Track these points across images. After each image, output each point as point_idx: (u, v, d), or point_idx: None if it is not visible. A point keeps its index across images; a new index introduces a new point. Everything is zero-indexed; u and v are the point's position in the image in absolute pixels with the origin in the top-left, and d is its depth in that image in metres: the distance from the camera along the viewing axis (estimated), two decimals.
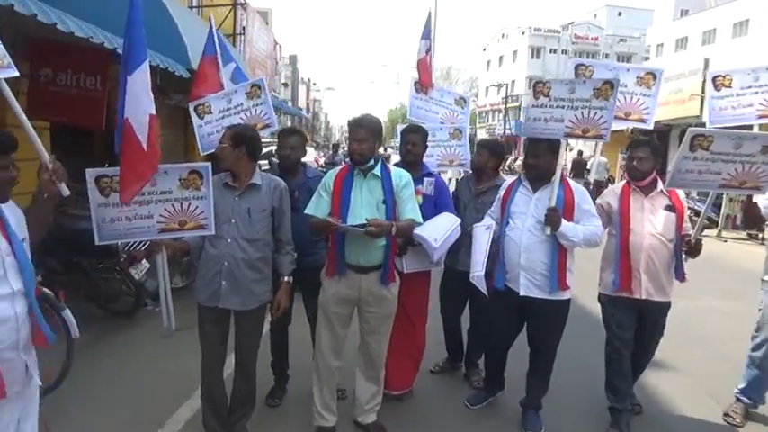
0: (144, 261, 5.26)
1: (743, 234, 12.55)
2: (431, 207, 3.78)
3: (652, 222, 3.49)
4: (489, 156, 4.17)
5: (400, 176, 3.30)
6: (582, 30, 54.15)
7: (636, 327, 3.62)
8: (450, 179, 4.78)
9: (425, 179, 3.89)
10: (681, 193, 3.59)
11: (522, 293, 3.41)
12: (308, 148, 18.55)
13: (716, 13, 29.68)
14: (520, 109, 50.76)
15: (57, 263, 5.15)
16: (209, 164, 3.16)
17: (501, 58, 59.65)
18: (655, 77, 3.96)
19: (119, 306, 5.47)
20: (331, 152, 19.24)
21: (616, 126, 3.68)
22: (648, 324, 3.62)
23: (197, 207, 3.11)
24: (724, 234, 12.60)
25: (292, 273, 3.33)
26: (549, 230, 3.32)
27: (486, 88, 59.42)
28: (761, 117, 3.87)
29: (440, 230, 3.54)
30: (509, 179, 3.81)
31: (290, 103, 31.09)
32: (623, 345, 3.59)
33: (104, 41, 4.49)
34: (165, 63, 5.69)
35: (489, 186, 4.09)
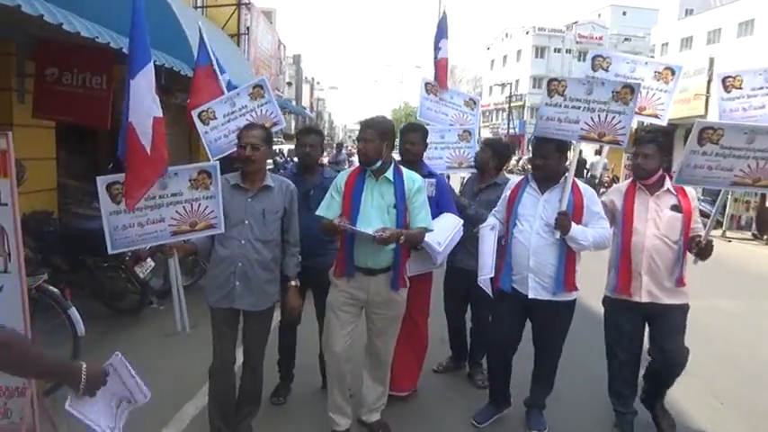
0: (149, 260, 5.29)
1: (747, 234, 12.53)
2: (432, 208, 3.74)
3: (656, 223, 3.37)
4: (492, 154, 4.19)
5: (413, 181, 3.25)
6: (586, 29, 54.04)
7: (643, 333, 3.52)
8: (463, 178, 4.73)
9: (426, 180, 3.82)
10: (692, 192, 3.45)
11: (530, 296, 3.36)
12: None
13: (721, 12, 29.56)
14: (523, 108, 50.75)
15: (62, 261, 5.18)
16: (217, 163, 3.16)
17: (505, 57, 59.60)
18: (674, 73, 3.85)
19: (124, 304, 5.51)
20: (335, 151, 19.31)
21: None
22: (662, 327, 3.43)
23: (207, 206, 3.11)
24: (728, 234, 12.55)
25: (303, 272, 3.35)
26: (558, 234, 3.27)
27: (490, 87, 59.36)
28: None
29: (443, 233, 3.51)
30: (515, 179, 3.77)
31: (293, 102, 31.14)
32: (621, 350, 3.52)
33: (110, 41, 4.52)
34: (170, 63, 5.72)
35: (488, 184, 4.11)
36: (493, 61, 62.50)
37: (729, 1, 29.04)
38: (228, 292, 3.13)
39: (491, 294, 3.50)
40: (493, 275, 3.42)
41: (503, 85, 49.74)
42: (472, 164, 4.54)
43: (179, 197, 3.11)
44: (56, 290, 3.80)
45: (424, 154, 4.05)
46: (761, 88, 3.72)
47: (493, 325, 3.74)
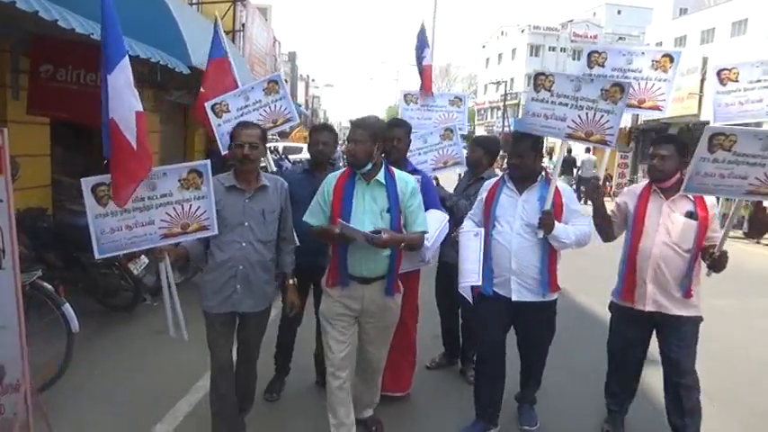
0: (143, 257, 5.28)
1: (738, 233, 12.60)
2: None
3: (667, 229, 3.18)
4: (483, 153, 4.23)
5: (406, 183, 3.11)
6: (581, 28, 54.21)
7: (648, 340, 3.42)
8: (460, 174, 4.73)
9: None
10: (711, 199, 3.20)
11: (514, 299, 3.30)
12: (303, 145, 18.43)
13: (715, 12, 29.70)
14: (519, 106, 50.79)
15: (56, 258, 5.19)
16: (207, 162, 3.09)
17: (500, 55, 59.71)
18: (672, 60, 3.60)
19: (117, 301, 5.50)
20: None
21: (627, 114, 3.48)
22: (671, 339, 3.28)
23: (198, 207, 3.02)
24: None
25: (305, 271, 3.35)
26: (541, 234, 3.21)
27: (485, 86, 59.42)
28: None
29: (430, 230, 3.39)
30: (492, 179, 3.64)
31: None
32: (623, 356, 3.46)
33: None
34: (165, 60, 5.70)
35: (477, 179, 4.12)
36: (488, 59, 62.58)
37: (723, 0, 29.17)
38: (229, 296, 3.05)
39: (471, 302, 3.41)
40: (480, 283, 3.29)
41: (498, 84, 49.74)
42: (457, 160, 4.53)
43: (169, 198, 3.01)
44: (50, 286, 3.79)
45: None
46: (758, 81, 3.56)
47: (478, 331, 3.65)
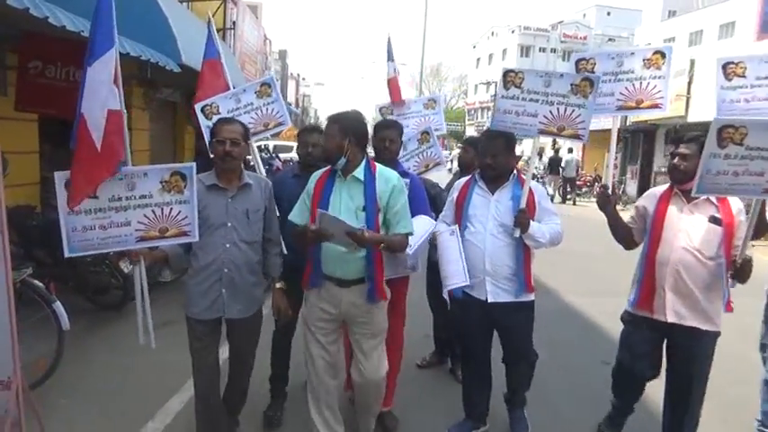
0: None
1: None
2: None
3: (688, 234, 2.97)
4: (475, 153, 4.25)
5: (387, 181, 2.91)
6: (571, 29, 54.58)
7: (661, 357, 3.19)
8: (456, 173, 4.72)
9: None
10: (737, 204, 2.97)
11: (490, 300, 3.22)
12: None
13: (703, 14, 30.00)
14: None
15: (45, 255, 5.16)
16: (193, 164, 2.95)
17: (491, 56, 59.93)
18: (664, 56, 3.45)
19: (107, 299, 5.49)
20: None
21: (631, 116, 3.37)
22: (680, 355, 3.06)
23: (179, 212, 2.89)
24: None
25: (298, 276, 3.11)
26: (518, 233, 3.14)
27: (476, 86, 59.60)
28: None
29: (415, 236, 3.19)
30: (462, 180, 3.55)
31: None
32: (630, 374, 3.26)
33: None
34: (155, 57, 5.69)
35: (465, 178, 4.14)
36: (479, 59, 62.77)
37: (711, 3, 29.47)
38: (214, 301, 2.93)
39: (449, 305, 3.30)
40: (468, 282, 3.18)
41: (488, 84, 49.93)
42: (437, 161, 4.51)
43: (148, 200, 2.87)
44: (40, 284, 3.79)
45: None
46: (766, 78, 3.32)
47: (460, 335, 3.62)
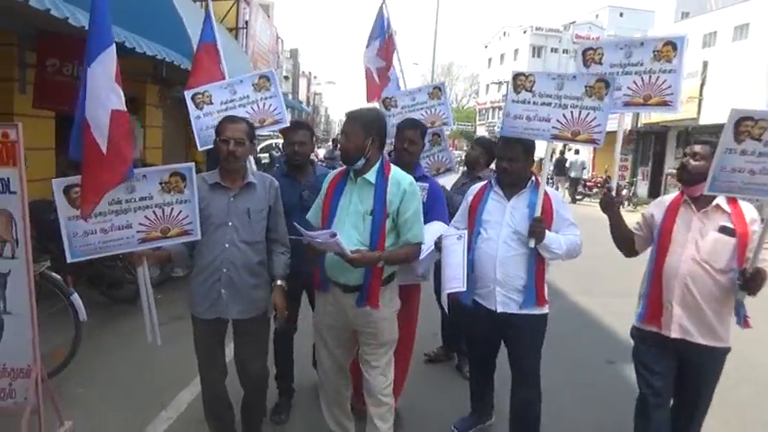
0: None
1: None
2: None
3: (697, 245, 2.72)
4: (482, 151, 4.33)
5: (398, 184, 2.76)
6: (583, 30, 54.16)
7: (674, 374, 2.89)
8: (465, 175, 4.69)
9: (419, 184, 3.26)
10: (751, 212, 2.73)
11: (499, 310, 3.07)
12: None
13: (716, 16, 29.73)
14: None
15: (61, 249, 5.25)
16: (192, 164, 2.92)
17: (502, 56, 59.81)
18: (675, 47, 3.05)
19: (121, 293, 5.59)
20: (331, 146, 19.31)
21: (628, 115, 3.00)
22: (689, 372, 2.84)
23: (180, 212, 2.87)
24: None
25: (298, 278, 3.13)
26: (532, 243, 2.97)
27: (487, 86, 59.48)
28: None
29: (425, 243, 3.05)
30: (478, 184, 3.40)
31: (290, 96, 31.16)
32: (652, 392, 2.85)
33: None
34: (170, 56, 5.79)
35: (472, 178, 4.16)
36: (490, 59, 62.67)
37: (725, 5, 29.22)
38: (214, 301, 2.89)
39: (447, 311, 3.18)
40: (464, 289, 3.01)
41: (500, 84, 49.80)
42: (449, 167, 4.41)
43: (148, 201, 2.85)
44: (58, 276, 3.89)
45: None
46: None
47: (467, 340, 3.62)
